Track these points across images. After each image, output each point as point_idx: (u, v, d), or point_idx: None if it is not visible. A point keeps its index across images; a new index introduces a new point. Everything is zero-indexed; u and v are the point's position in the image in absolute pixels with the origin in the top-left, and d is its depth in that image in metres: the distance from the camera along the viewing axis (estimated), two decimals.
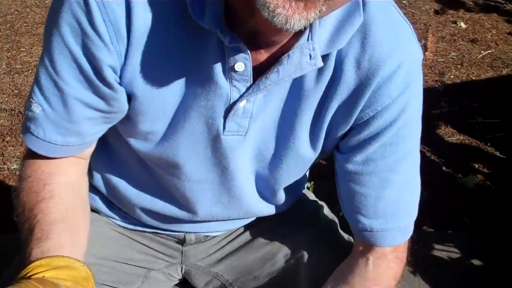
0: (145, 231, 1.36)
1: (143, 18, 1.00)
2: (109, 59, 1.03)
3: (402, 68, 1.07)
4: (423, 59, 3.75)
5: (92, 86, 1.07)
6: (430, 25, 4.37)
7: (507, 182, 3.02)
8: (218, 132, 1.14)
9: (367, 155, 1.14)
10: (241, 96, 1.08)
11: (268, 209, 1.31)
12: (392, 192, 1.13)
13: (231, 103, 1.09)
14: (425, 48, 4.04)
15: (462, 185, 2.97)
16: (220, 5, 0.98)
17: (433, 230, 2.83)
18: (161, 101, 1.10)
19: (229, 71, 1.04)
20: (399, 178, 1.16)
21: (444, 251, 2.69)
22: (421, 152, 2.94)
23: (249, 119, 1.12)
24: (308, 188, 1.94)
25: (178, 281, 1.46)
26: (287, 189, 1.27)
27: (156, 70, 1.06)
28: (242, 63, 1.02)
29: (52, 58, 1.04)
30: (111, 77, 1.06)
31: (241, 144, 1.16)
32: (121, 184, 1.29)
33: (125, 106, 1.12)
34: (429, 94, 3.60)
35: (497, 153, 3.20)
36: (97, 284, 1.28)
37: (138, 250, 1.40)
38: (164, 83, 1.07)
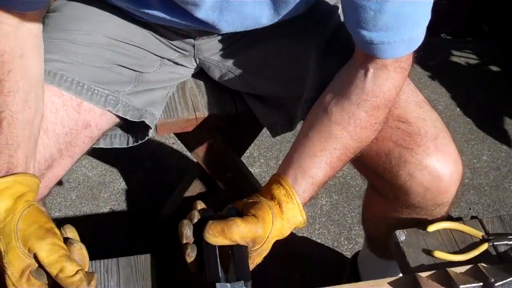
0: (156, 23, 1.33)
1: None
2: None
3: None
4: None
5: None
6: None
7: None
8: None
9: None
10: None
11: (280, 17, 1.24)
12: (393, 6, 1.07)
13: None
14: None
15: None
16: None
17: (451, 38, 2.78)
18: None
19: None
20: None
21: (463, 57, 2.66)
22: None
23: None
24: None
25: (194, 71, 1.46)
26: None
27: None
28: None
29: None
30: None
31: None
32: None
33: None
34: None
35: None
36: (113, 65, 1.23)
37: (151, 38, 1.37)
38: None
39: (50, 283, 0.91)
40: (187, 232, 0.99)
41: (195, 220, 1.01)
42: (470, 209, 2.13)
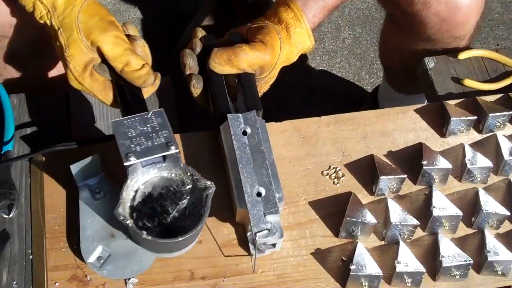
0: None
1: None
2: None
3: None
4: None
5: None
6: None
7: None
8: None
9: None
10: None
11: None
12: None
13: None
14: None
15: None
16: None
17: None
18: None
19: None
20: None
21: None
22: None
23: None
24: None
25: None
26: None
27: None
28: None
29: None
30: None
31: None
32: None
33: None
34: None
35: None
36: None
37: None
38: None
39: (114, 80, 0.87)
40: (190, 62, 0.93)
41: (198, 49, 0.94)
42: (498, 45, 2.05)
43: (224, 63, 0.90)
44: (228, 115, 0.88)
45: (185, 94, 0.95)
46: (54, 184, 0.90)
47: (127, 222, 0.77)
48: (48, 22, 0.86)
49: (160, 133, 0.80)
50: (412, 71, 1.18)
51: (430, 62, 1.10)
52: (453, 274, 0.86)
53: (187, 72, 0.93)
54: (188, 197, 0.81)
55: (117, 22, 0.88)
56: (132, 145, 0.79)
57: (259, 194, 0.83)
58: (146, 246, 0.83)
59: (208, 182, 0.80)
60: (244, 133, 0.87)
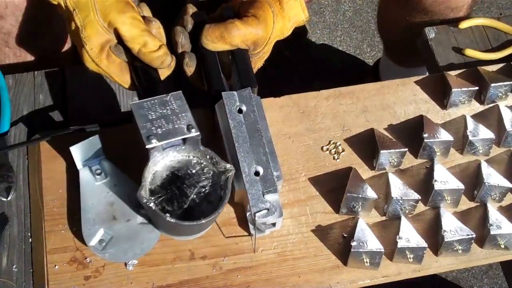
0: None
1: None
2: None
3: None
4: None
5: None
6: None
7: None
8: None
9: None
10: None
11: None
12: None
13: None
14: None
15: None
16: None
17: None
18: None
19: None
20: None
21: None
22: None
23: None
24: None
25: None
26: None
27: None
28: None
29: None
30: None
31: None
32: None
33: None
34: None
35: None
36: None
37: None
38: None
39: (129, 62, 0.86)
40: (182, 40, 0.90)
41: (189, 26, 0.91)
42: (501, 14, 2.02)
43: (216, 40, 0.88)
44: (223, 93, 0.86)
45: (179, 72, 0.94)
46: (52, 165, 0.90)
47: (150, 204, 0.76)
48: (62, 2, 0.84)
49: (180, 115, 0.80)
50: (410, 44, 1.16)
51: (431, 32, 1.08)
52: (455, 248, 0.85)
53: (180, 51, 0.91)
54: (207, 180, 0.80)
55: (132, 2, 0.86)
56: (153, 128, 0.78)
57: (257, 173, 0.82)
58: (164, 230, 0.83)
59: (228, 165, 0.79)
60: (240, 111, 0.86)
